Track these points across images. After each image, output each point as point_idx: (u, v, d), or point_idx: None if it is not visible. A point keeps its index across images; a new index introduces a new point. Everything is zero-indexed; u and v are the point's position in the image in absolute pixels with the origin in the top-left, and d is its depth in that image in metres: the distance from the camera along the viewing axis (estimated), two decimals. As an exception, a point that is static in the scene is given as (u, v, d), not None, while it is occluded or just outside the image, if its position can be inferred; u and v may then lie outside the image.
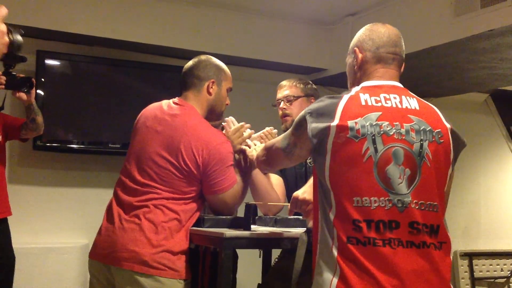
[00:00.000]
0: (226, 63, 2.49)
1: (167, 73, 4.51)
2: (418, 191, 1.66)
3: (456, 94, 5.64)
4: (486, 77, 4.85)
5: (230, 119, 2.59)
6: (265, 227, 2.49)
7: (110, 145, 4.35)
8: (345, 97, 1.74)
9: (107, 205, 2.33)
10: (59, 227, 4.33)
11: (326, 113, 1.70)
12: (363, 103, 1.72)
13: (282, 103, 2.80)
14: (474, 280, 5.80)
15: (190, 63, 2.45)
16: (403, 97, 1.77)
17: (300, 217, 2.38)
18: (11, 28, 1.38)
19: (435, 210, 1.69)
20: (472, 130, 6.11)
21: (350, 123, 1.66)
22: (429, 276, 1.63)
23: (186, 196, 2.24)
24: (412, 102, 1.77)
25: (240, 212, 2.38)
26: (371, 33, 1.88)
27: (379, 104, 1.72)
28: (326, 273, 1.63)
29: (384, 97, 1.75)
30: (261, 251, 2.76)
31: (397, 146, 1.67)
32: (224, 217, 2.30)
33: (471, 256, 5.82)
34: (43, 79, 4.11)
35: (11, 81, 3.09)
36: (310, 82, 2.91)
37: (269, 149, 1.99)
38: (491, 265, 5.93)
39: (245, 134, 2.50)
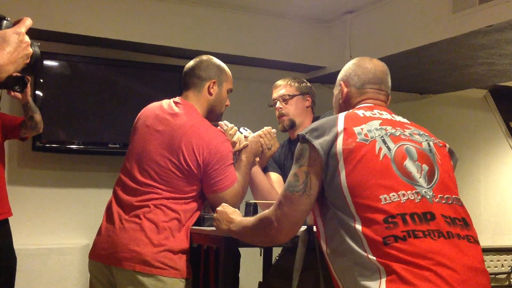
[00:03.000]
0: (224, 62, 2.49)
1: (166, 72, 4.51)
2: (440, 186, 1.63)
3: (455, 90, 5.64)
4: (485, 73, 4.85)
5: (224, 123, 2.58)
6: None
7: (109, 145, 4.35)
8: (342, 114, 1.74)
9: (107, 204, 2.33)
10: (59, 227, 4.34)
11: (327, 128, 1.68)
12: (361, 115, 1.73)
13: (278, 103, 2.80)
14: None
15: (191, 63, 2.45)
16: (394, 115, 1.81)
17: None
18: (31, 41, 1.42)
19: (461, 204, 1.67)
20: (471, 126, 6.12)
21: (356, 129, 1.66)
22: (477, 267, 1.55)
23: (187, 195, 2.24)
24: (402, 119, 1.81)
25: (241, 211, 2.38)
26: (357, 69, 1.90)
27: (376, 116, 1.75)
28: (368, 281, 1.50)
29: (378, 112, 1.78)
30: (262, 250, 2.76)
31: (407, 144, 1.67)
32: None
33: (471, 252, 5.81)
34: (41, 80, 4.11)
35: (4, 80, 3.08)
36: (305, 80, 2.91)
37: (281, 209, 1.71)
38: (491, 261, 5.93)
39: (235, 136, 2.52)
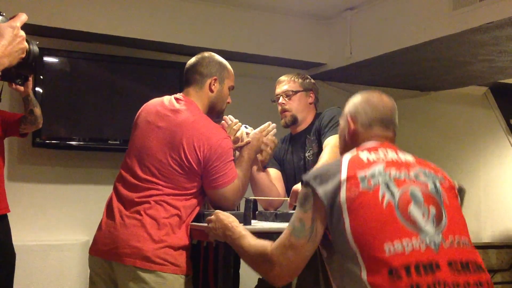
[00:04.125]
0: (224, 58, 2.49)
1: (166, 69, 4.51)
2: (449, 229, 1.60)
3: (455, 87, 5.64)
4: (485, 70, 4.85)
5: (229, 117, 2.59)
6: (266, 221, 2.49)
7: (109, 141, 4.35)
8: (346, 157, 1.70)
9: (107, 200, 2.33)
10: (59, 224, 4.34)
11: (331, 174, 1.65)
12: (365, 160, 1.68)
13: (281, 98, 2.80)
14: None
15: (193, 59, 2.45)
16: (401, 153, 1.76)
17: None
18: (28, 38, 1.43)
19: (471, 246, 1.64)
20: (471, 123, 6.12)
21: (359, 173, 1.62)
22: None
23: (187, 192, 2.24)
24: (408, 157, 1.75)
25: (241, 207, 2.38)
26: (366, 106, 1.85)
27: (381, 157, 1.70)
28: None
29: (383, 152, 1.73)
30: (262, 246, 2.76)
31: (412, 187, 1.63)
32: (223, 212, 2.30)
33: (471, 249, 5.83)
34: (42, 77, 4.11)
35: (6, 73, 3.08)
36: (309, 76, 2.91)
37: (285, 255, 1.67)
38: (491, 257, 5.94)
39: (238, 132, 2.52)
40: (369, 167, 1.65)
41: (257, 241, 1.80)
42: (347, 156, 1.71)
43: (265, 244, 1.73)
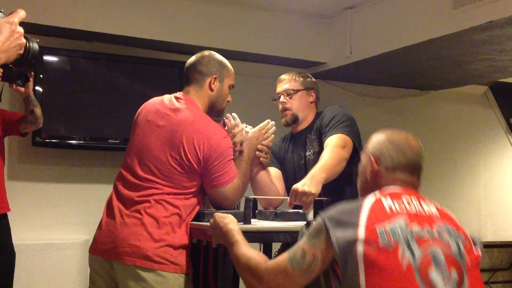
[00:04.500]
0: (224, 57, 2.49)
1: (166, 68, 4.51)
2: None
3: (455, 86, 5.64)
4: (485, 69, 4.85)
5: (233, 115, 2.58)
6: (265, 220, 2.49)
7: (109, 140, 4.35)
8: (368, 202, 1.61)
9: (107, 199, 2.33)
10: (59, 223, 4.34)
11: (348, 220, 1.57)
12: (388, 209, 1.59)
13: (282, 97, 2.80)
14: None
15: (193, 58, 2.44)
16: (424, 203, 1.66)
17: (300, 210, 2.38)
18: (28, 36, 1.42)
19: None
20: (471, 122, 6.12)
21: (378, 228, 1.53)
22: None
23: (187, 191, 2.24)
24: (432, 208, 1.66)
25: (241, 206, 2.38)
26: (391, 148, 1.75)
27: (404, 210, 1.61)
28: None
29: (407, 201, 1.64)
30: (261, 245, 2.77)
31: (434, 248, 1.55)
32: (223, 211, 2.30)
33: (471, 248, 5.83)
34: (41, 75, 4.10)
35: (7, 73, 3.08)
36: (310, 75, 2.90)
37: (275, 277, 1.63)
38: (491, 256, 5.95)
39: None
40: (390, 219, 1.56)
41: (251, 253, 1.76)
42: (369, 201, 1.62)
43: (259, 260, 1.70)
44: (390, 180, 1.73)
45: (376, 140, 1.81)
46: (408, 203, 1.63)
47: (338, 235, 1.55)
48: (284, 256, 1.64)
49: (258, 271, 1.67)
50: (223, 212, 2.23)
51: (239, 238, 1.86)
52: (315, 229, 1.62)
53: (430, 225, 1.59)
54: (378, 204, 1.61)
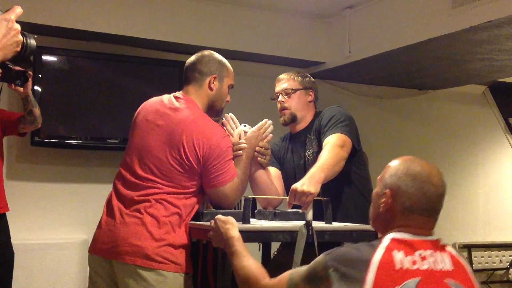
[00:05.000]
0: (224, 57, 2.49)
1: (165, 67, 4.50)
2: None
3: (454, 86, 5.64)
4: (484, 69, 4.85)
5: (230, 115, 2.58)
6: (265, 220, 2.49)
7: (108, 140, 4.34)
8: (377, 256, 1.50)
9: (107, 198, 2.34)
10: (58, 223, 4.33)
11: (354, 275, 1.49)
12: (398, 266, 1.49)
13: (280, 96, 2.80)
14: (473, 271, 5.80)
15: (192, 57, 2.45)
16: (438, 255, 1.56)
17: (299, 210, 2.38)
18: (26, 32, 1.42)
19: None
20: (470, 122, 6.12)
21: None
22: None
23: (187, 190, 2.24)
24: (447, 260, 1.57)
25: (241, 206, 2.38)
26: (412, 187, 1.60)
27: (415, 267, 1.51)
28: None
29: (420, 255, 1.53)
30: (261, 245, 2.76)
31: None
32: (222, 211, 2.30)
33: (470, 248, 5.84)
34: (40, 75, 4.10)
35: (6, 74, 3.09)
36: (308, 75, 2.91)
37: None
38: (490, 256, 5.95)
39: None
40: (401, 281, 1.47)
41: (250, 266, 1.76)
42: (379, 254, 1.51)
43: (258, 275, 1.70)
44: (404, 221, 1.60)
45: (395, 170, 1.65)
46: (421, 257, 1.53)
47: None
48: (284, 277, 1.63)
49: (257, 287, 1.67)
50: (222, 213, 2.24)
51: (238, 248, 1.86)
52: (316, 272, 1.56)
53: (441, 285, 1.52)
54: (388, 259, 1.50)
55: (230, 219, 2.02)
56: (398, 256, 1.51)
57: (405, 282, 1.47)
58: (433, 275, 1.52)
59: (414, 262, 1.51)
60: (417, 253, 1.53)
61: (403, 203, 1.60)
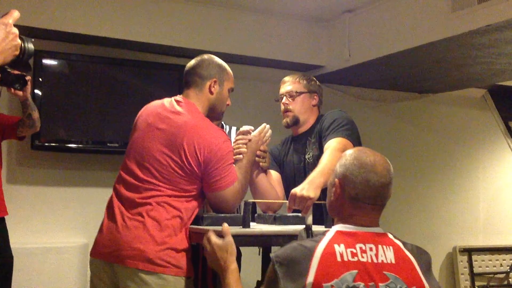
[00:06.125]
0: (224, 61, 2.49)
1: (165, 71, 4.51)
2: None
3: (453, 89, 5.64)
4: (484, 73, 4.86)
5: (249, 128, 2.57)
6: (264, 224, 2.49)
7: (109, 144, 4.35)
8: (319, 249, 1.57)
9: (107, 202, 2.33)
10: (58, 227, 4.33)
11: (297, 269, 1.54)
12: (339, 258, 1.56)
13: (284, 98, 2.80)
14: (473, 275, 5.81)
15: (192, 61, 2.45)
16: (380, 247, 1.62)
17: (299, 214, 2.38)
18: (23, 36, 1.42)
19: None
20: (470, 125, 6.13)
21: (325, 285, 1.52)
22: None
23: (187, 194, 2.24)
24: (388, 253, 1.62)
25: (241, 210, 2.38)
26: (357, 176, 1.67)
27: (355, 259, 1.57)
28: None
29: (361, 248, 1.60)
30: (261, 249, 2.76)
31: None
32: (223, 215, 2.30)
33: (470, 251, 5.83)
34: (40, 79, 4.11)
35: (5, 78, 3.10)
36: (314, 78, 2.90)
37: None
38: (490, 260, 5.94)
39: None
40: (339, 274, 1.53)
41: None
42: (321, 247, 1.58)
43: None
44: (352, 209, 1.67)
45: (344, 160, 1.72)
46: (362, 250, 1.58)
47: (287, 285, 1.53)
48: None
49: None
50: (222, 217, 2.24)
51: (231, 281, 1.88)
52: (269, 278, 1.60)
53: (377, 284, 1.55)
54: (329, 251, 1.56)
55: (228, 245, 1.96)
56: (339, 249, 1.57)
57: (343, 275, 1.53)
58: (372, 267, 1.57)
59: (353, 254, 1.57)
60: (357, 245, 1.59)
61: (350, 191, 1.67)
